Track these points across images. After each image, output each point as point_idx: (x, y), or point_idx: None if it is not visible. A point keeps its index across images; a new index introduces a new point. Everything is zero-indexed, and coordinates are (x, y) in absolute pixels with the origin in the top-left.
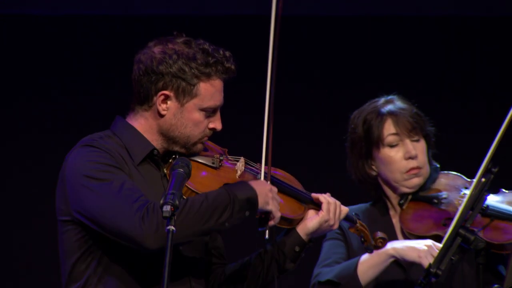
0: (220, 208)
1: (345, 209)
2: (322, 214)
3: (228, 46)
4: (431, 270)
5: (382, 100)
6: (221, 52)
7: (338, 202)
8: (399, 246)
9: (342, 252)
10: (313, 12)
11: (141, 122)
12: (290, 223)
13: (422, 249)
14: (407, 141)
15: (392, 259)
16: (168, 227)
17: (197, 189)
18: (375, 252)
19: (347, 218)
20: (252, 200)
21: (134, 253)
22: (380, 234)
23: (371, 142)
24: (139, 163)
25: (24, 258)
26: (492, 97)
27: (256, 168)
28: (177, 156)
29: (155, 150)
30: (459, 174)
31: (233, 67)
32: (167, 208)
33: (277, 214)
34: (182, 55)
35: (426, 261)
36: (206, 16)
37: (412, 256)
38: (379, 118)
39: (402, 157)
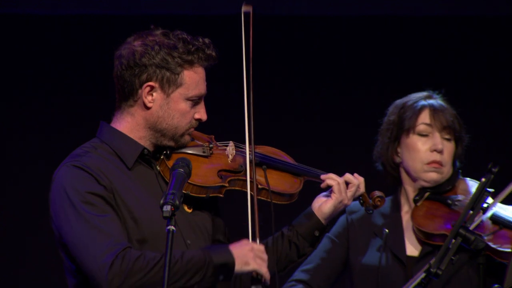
0: (192, 271)
1: (362, 189)
2: (335, 196)
3: (227, 46)
4: (432, 270)
5: (425, 93)
6: (200, 40)
7: (355, 181)
8: None
9: (329, 258)
10: (313, 12)
11: (128, 120)
12: (289, 198)
13: None
14: (437, 135)
15: None
16: (168, 227)
17: (193, 181)
18: None
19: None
20: (228, 265)
21: None
22: (377, 193)
23: (403, 127)
24: (132, 166)
25: (26, 259)
26: (493, 98)
27: (245, 149)
28: (167, 152)
29: (145, 150)
30: (477, 181)
31: (214, 53)
32: (167, 208)
33: (263, 270)
34: (164, 45)
35: None
36: (206, 16)
37: None
38: (417, 107)
39: (428, 149)
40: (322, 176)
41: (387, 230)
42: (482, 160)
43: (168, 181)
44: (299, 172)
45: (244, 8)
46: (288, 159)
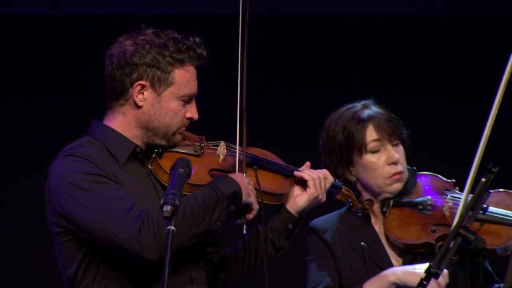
0: (211, 208)
1: (329, 178)
2: (311, 191)
3: (227, 45)
4: (431, 270)
5: (359, 105)
6: (191, 39)
7: (321, 175)
8: (400, 272)
9: (331, 273)
10: (314, 12)
11: (119, 119)
12: (279, 198)
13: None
14: (389, 146)
15: (394, 286)
16: (168, 227)
17: None
18: (376, 280)
19: (333, 186)
20: (237, 193)
21: (126, 262)
22: (366, 196)
23: (352, 148)
24: (124, 163)
25: (26, 259)
26: (492, 97)
27: (236, 150)
28: (159, 150)
29: (138, 148)
30: (436, 174)
31: (204, 53)
32: (167, 208)
33: (256, 207)
34: (154, 45)
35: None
36: (203, 16)
37: (414, 282)
38: (360, 124)
39: (385, 162)
40: (295, 173)
41: (363, 244)
42: (482, 160)
43: (159, 179)
44: (289, 174)
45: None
46: (278, 161)
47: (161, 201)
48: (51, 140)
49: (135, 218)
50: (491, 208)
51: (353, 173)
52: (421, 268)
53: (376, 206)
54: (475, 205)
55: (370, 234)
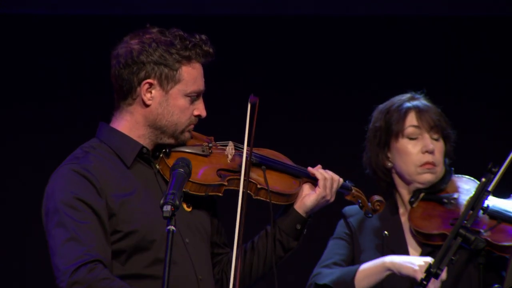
0: None
1: (340, 181)
2: (319, 191)
3: (227, 46)
4: (431, 270)
5: (408, 95)
6: (197, 36)
7: (334, 176)
8: (397, 260)
9: (344, 253)
10: (314, 12)
11: (127, 119)
12: (287, 198)
13: (419, 264)
14: (427, 136)
15: (388, 272)
16: (168, 227)
17: (192, 179)
18: (373, 263)
19: (342, 186)
20: None
21: (132, 265)
22: (377, 197)
23: (391, 132)
24: (131, 165)
25: (26, 259)
26: (493, 98)
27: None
28: (167, 150)
29: (144, 148)
30: (472, 178)
31: (211, 50)
32: (167, 208)
33: None
34: (161, 42)
35: (421, 275)
36: (206, 16)
37: (407, 271)
38: (403, 110)
39: (419, 151)
40: (309, 168)
41: (386, 233)
42: (482, 160)
43: (167, 179)
44: (298, 174)
45: (251, 100)
46: (288, 161)
47: (161, 201)
48: (51, 141)
49: (80, 260)
50: (504, 207)
51: (389, 158)
52: (419, 260)
53: (407, 198)
54: (475, 205)
55: (395, 224)
